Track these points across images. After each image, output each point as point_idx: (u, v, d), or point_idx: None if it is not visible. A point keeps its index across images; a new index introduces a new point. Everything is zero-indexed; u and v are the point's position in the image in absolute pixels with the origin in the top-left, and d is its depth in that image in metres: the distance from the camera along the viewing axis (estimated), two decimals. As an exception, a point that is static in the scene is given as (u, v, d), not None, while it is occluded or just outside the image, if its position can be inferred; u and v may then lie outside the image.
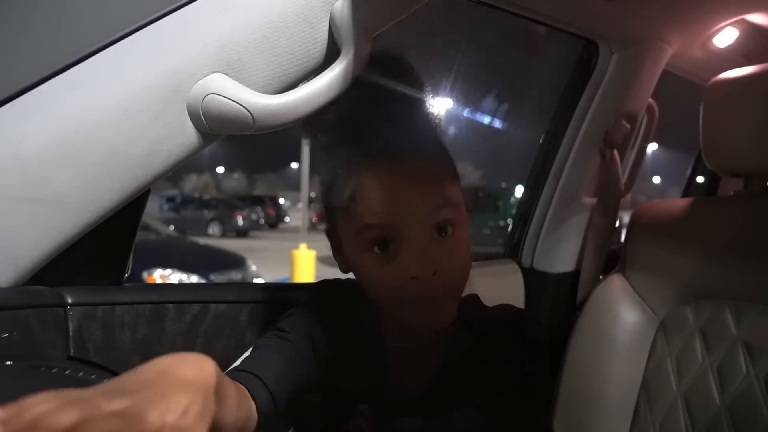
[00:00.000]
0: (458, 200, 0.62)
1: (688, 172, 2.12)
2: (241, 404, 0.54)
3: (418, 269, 0.58)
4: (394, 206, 0.58)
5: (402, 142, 0.60)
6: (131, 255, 0.69)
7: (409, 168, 0.59)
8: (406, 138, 0.62)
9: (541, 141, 1.35)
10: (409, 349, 0.68)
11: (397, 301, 0.60)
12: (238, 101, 0.56)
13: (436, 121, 0.67)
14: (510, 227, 1.43)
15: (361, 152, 0.60)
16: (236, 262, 5.38)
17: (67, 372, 0.60)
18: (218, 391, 0.36)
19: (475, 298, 0.73)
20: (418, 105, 0.65)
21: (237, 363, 0.65)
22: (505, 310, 0.70)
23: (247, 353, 0.66)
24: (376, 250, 0.59)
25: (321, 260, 8.24)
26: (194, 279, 4.63)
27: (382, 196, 0.58)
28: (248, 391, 0.57)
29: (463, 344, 0.66)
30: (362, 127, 0.62)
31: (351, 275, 0.67)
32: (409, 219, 0.58)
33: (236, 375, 0.60)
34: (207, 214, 17.52)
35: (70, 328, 0.63)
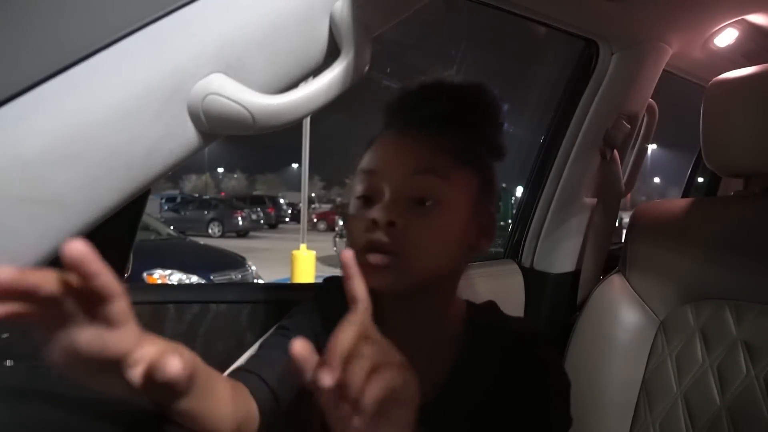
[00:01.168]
0: (454, 181, 0.64)
1: (688, 172, 2.12)
2: (239, 402, 0.54)
3: (378, 213, 0.61)
4: (382, 158, 0.66)
5: (425, 120, 0.67)
6: (131, 255, 0.69)
7: (413, 136, 0.66)
8: (432, 119, 0.67)
9: (541, 141, 1.35)
10: (417, 352, 0.68)
11: (356, 245, 0.63)
12: (238, 101, 0.56)
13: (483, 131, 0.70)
14: (510, 227, 1.43)
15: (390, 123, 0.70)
16: (236, 262, 5.39)
17: (67, 372, 0.60)
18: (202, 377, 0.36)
19: (492, 305, 0.73)
20: (472, 113, 0.69)
21: (241, 361, 0.65)
22: (522, 328, 0.69)
23: (252, 352, 0.66)
24: (360, 194, 0.65)
25: (321, 260, 8.23)
26: (194, 279, 4.63)
27: (380, 150, 0.67)
28: (249, 390, 0.57)
29: (476, 352, 0.65)
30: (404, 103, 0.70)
31: None
32: (389, 171, 0.64)
33: (238, 375, 0.60)
34: (207, 214, 17.52)
35: (70, 328, 0.63)
